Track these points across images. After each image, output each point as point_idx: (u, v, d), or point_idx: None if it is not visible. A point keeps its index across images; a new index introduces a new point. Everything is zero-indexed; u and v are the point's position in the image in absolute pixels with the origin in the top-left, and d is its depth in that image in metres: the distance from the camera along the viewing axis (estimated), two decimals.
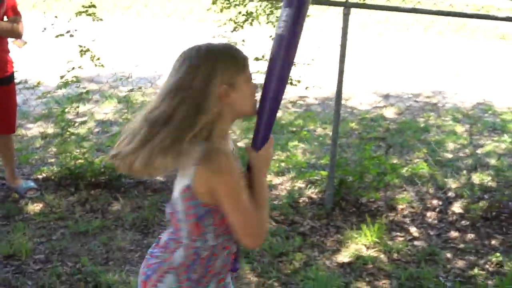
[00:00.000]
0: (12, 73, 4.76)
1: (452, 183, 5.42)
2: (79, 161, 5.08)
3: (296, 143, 6.21)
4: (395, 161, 5.68)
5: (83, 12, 4.94)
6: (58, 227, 4.37)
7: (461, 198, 5.15)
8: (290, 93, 7.22)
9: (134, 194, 4.91)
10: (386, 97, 8.24)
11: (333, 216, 4.74)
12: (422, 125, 7.13)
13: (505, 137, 6.82)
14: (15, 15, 4.58)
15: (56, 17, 4.90)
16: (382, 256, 4.22)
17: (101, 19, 4.97)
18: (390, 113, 7.66)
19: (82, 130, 6.06)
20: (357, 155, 5.39)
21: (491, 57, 11.75)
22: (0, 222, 4.42)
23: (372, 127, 6.95)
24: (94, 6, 4.90)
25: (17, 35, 4.63)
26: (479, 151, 6.40)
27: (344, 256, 4.19)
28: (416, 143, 6.40)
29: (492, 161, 6.04)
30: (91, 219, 4.49)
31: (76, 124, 5.42)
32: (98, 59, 5.00)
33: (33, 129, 6.33)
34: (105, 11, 6.40)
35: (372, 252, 4.24)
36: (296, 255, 4.12)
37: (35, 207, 4.63)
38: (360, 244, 4.34)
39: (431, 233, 4.63)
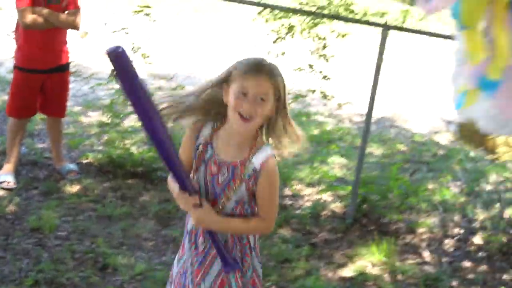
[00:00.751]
0: (68, 63, 5.08)
1: (480, 214, 5.42)
2: (120, 151, 5.39)
3: (334, 157, 6.32)
4: (430, 186, 5.74)
5: (139, 11, 5.20)
6: (87, 209, 4.68)
7: (484, 230, 5.15)
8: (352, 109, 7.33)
9: (165, 187, 5.16)
10: (449, 123, 8.21)
11: (351, 231, 4.85)
12: (472, 154, 7.07)
13: None
14: (75, 8, 4.85)
15: (114, 13, 5.22)
16: (386, 275, 4.31)
17: (154, 20, 5.22)
18: (444, 139, 7.61)
19: (131, 123, 6.36)
20: (384, 174, 5.46)
21: None
22: (38, 198, 4.77)
23: (419, 151, 6.95)
24: (149, 6, 5.16)
25: (75, 28, 4.91)
26: None
27: (348, 271, 4.30)
28: (458, 170, 6.38)
29: None
30: (119, 205, 4.78)
31: (122, 116, 5.65)
32: (148, 57, 5.26)
33: (93, 117, 6.67)
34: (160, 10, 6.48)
35: (377, 271, 4.34)
36: (301, 263, 4.26)
37: (72, 188, 4.96)
38: (367, 261, 4.44)
39: (444, 260, 4.66)
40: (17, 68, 4.86)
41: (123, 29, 5.20)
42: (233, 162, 2.36)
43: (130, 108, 6.54)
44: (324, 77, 4.97)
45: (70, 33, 5.05)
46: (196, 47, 10.58)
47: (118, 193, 4.99)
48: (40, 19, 4.57)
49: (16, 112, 4.96)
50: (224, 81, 2.33)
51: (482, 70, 1.84)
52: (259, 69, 2.30)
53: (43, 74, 4.85)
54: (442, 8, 1.83)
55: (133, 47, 5.24)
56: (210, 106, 2.40)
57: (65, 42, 5.02)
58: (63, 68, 5.03)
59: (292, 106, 5.74)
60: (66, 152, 5.51)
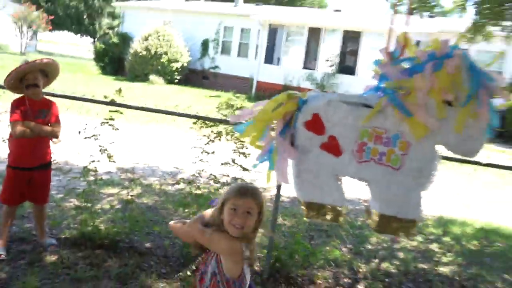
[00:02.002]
0: (50, 161, 5.09)
1: (363, 267, 5.56)
2: (90, 228, 5.38)
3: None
4: (327, 247, 5.88)
5: (105, 122, 5.31)
6: (63, 274, 4.60)
7: (366, 279, 5.28)
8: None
9: (125, 255, 5.16)
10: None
11: (267, 285, 4.90)
12: (357, 223, 7.25)
13: (419, 237, 6.91)
14: (56, 122, 4.92)
15: (86, 124, 5.31)
16: None
17: (117, 129, 5.32)
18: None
19: (105, 206, 6.37)
20: (291, 240, 5.57)
21: None
22: (24, 267, 4.67)
23: (319, 223, 7.08)
24: (112, 119, 5.28)
25: (56, 137, 4.93)
26: (395, 246, 6.50)
27: None
28: (349, 236, 6.55)
29: (401, 254, 6.16)
30: (88, 270, 4.72)
31: (95, 200, 5.67)
32: (112, 156, 5.34)
33: (71, 202, 6.63)
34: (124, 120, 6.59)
35: None
36: None
37: (52, 258, 4.88)
38: None
39: None
40: (9, 167, 4.86)
41: (93, 135, 5.29)
42: None
43: (100, 195, 6.64)
44: (244, 169, 5.11)
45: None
46: (150, 146, 10.71)
47: (87, 260, 4.93)
48: (28, 131, 4.62)
49: (8, 201, 4.93)
50: (223, 205, 2.44)
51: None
52: (244, 192, 2.42)
53: (30, 171, 4.85)
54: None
55: (101, 149, 5.33)
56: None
57: (48, 146, 5.02)
58: (46, 166, 5.03)
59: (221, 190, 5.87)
60: (48, 230, 5.45)
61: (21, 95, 4.75)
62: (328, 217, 2.09)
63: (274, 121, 2.00)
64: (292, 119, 2.00)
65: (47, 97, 4.97)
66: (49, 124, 4.85)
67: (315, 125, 2.00)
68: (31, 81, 4.65)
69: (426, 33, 22.14)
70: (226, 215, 2.41)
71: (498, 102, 1.94)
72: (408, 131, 1.94)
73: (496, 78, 1.91)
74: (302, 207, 2.03)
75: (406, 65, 1.98)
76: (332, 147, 2.00)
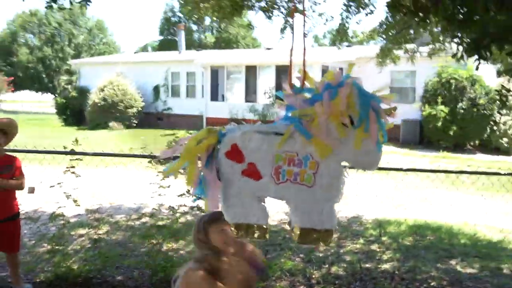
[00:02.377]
0: (18, 212, 4.89)
1: (315, 273, 5.54)
2: (64, 269, 5.16)
3: None
4: (281, 260, 5.84)
5: (67, 170, 5.16)
6: None
7: (318, 284, 5.26)
8: None
9: None
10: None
11: None
12: None
13: (361, 240, 6.97)
14: (21, 175, 4.73)
15: (49, 175, 5.14)
16: None
17: (79, 175, 5.17)
18: (288, 226, 7.76)
19: (76, 246, 6.14)
20: None
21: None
22: None
23: (274, 236, 7.04)
24: (73, 166, 5.13)
25: (21, 188, 4.77)
26: (341, 250, 6.52)
27: None
28: (301, 247, 6.51)
29: (348, 257, 6.18)
30: None
31: (66, 242, 5.46)
32: (77, 200, 5.18)
33: (44, 247, 6.36)
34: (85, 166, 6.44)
35: None
36: None
37: None
38: None
39: None
40: None
41: (58, 183, 5.13)
42: None
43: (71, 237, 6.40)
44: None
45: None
46: (113, 187, 10.48)
47: None
48: None
49: None
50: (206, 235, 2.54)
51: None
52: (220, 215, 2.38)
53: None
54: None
55: (66, 195, 5.16)
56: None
57: (15, 198, 4.83)
58: (14, 217, 4.82)
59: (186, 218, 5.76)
60: (23, 275, 5.19)
61: None
62: (256, 235, 2.13)
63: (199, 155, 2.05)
64: (214, 151, 2.06)
65: (9, 153, 4.82)
66: (14, 178, 4.67)
67: (235, 154, 2.07)
68: None
69: (345, 61, 22.77)
70: (218, 239, 2.50)
71: (389, 120, 2.08)
72: (315, 152, 2.04)
73: (382, 100, 2.05)
74: (232, 228, 2.07)
75: (307, 95, 2.09)
76: (252, 172, 2.07)
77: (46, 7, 4.91)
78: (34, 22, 54.49)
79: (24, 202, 5.09)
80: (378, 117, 2.03)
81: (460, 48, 3.84)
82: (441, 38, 7.21)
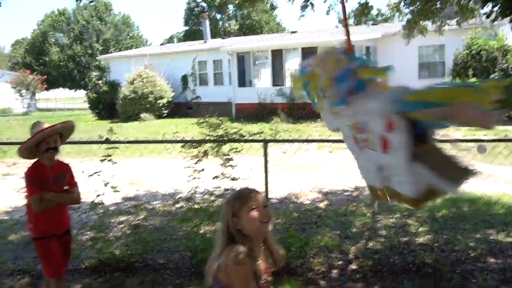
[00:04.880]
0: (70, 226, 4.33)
1: (352, 249, 5.50)
2: (107, 255, 5.28)
3: None
4: (318, 237, 5.82)
5: (104, 159, 5.22)
6: None
7: (357, 259, 5.23)
8: None
9: (141, 274, 5.06)
10: (326, 194, 8.40)
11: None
12: (341, 211, 7.21)
13: (397, 214, 6.87)
14: (74, 185, 4.10)
15: (87, 166, 5.21)
16: None
17: (115, 162, 5.24)
18: (322, 205, 7.74)
19: (117, 233, 6.26)
20: (285, 235, 5.50)
21: None
22: None
23: (309, 215, 7.04)
24: (110, 155, 5.20)
25: (78, 203, 4.27)
26: (378, 225, 6.44)
27: None
28: (336, 223, 6.50)
29: (384, 232, 6.12)
30: None
31: (107, 229, 5.57)
32: (116, 187, 5.25)
33: (89, 235, 6.49)
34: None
35: None
36: None
37: (76, 287, 4.80)
38: None
39: (334, 284, 4.69)
40: (38, 239, 3.97)
41: (96, 172, 5.20)
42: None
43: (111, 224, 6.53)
44: (233, 178, 5.05)
45: None
46: (147, 175, 10.62)
47: (107, 284, 4.86)
48: (49, 203, 3.86)
49: (56, 271, 4.00)
50: (234, 216, 2.23)
51: None
52: (250, 191, 2.29)
53: (60, 237, 4.06)
54: None
55: (104, 182, 5.24)
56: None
57: (67, 211, 4.23)
58: (69, 231, 4.23)
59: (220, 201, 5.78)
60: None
61: (32, 161, 3.98)
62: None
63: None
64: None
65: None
66: (65, 188, 4.05)
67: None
68: (52, 144, 3.88)
69: (371, 39, 22.37)
70: (249, 219, 2.20)
71: None
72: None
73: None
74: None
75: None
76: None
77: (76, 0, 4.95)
78: (63, 21, 55.34)
79: None
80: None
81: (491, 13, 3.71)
82: (470, 5, 6.99)
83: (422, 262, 5.00)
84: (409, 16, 7.76)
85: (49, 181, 3.88)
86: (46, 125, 3.93)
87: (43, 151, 3.85)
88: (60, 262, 3.99)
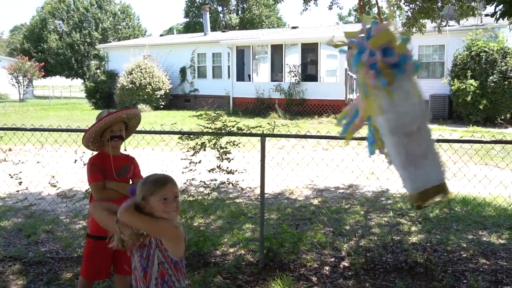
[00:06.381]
0: None
1: (345, 246, 5.52)
2: None
3: (247, 224, 6.35)
4: (311, 233, 5.83)
5: None
6: None
7: (349, 256, 5.24)
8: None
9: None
10: (320, 191, 8.41)
11: (264, 272, 4.83)
12: (334, 208, 7.22)
13: (390, 213, 6.90)
14: (139, 178, 3.66)
15: (83, 152, 5.18)
16: None
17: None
18: (316, 202, 7.76)
19: None
20: (279, 231, 5.51)
21: None
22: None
23: (302, 211, 7.06)
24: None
25: None
26: (371, 223, 6.48)
27: None
28: (330, 220, 6.52)
29: (377, 230, 6.14)
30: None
31: None
32: None
33: (82, 224, 6.48)
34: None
35: None
36: None
37: (67, 276, 4.80)
38: None
39: (326, 281, 4.69)
40: (90, 237, 3.74)
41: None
42: None
43: None
44: (229, 172, 5.05)
45: None
46: (144, 165, 10.55)
47: None
48: (111, 193, 3.56)
49: (94, 276, 3.81)
50: (144, 200, 2.32)
51: None
52: (165, 181, 2.36)
53: None
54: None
55: None
56: None
57: None
58: None
59: (215, 194, 5.77)
60: (61, 251, 5.33)
61: (95, 152, 3.80)
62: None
63: None
64: None
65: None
66: (131, 182, 3.77)
67: None
68: (116, 132, 3.65)
69: None
70: (156, 207, 2.29)
71: None
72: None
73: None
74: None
75: None
76: None
77: None
78: (63, 8, 55.01)
79: (60, 181, 5.16)
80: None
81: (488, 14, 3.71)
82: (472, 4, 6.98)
83: (414, 261, 5.03)
84: (409, 14, 7.76)
85: (113, 170, 3.66)
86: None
87: (108, 139, 3.65)
88: (100, 268, 3.70)
